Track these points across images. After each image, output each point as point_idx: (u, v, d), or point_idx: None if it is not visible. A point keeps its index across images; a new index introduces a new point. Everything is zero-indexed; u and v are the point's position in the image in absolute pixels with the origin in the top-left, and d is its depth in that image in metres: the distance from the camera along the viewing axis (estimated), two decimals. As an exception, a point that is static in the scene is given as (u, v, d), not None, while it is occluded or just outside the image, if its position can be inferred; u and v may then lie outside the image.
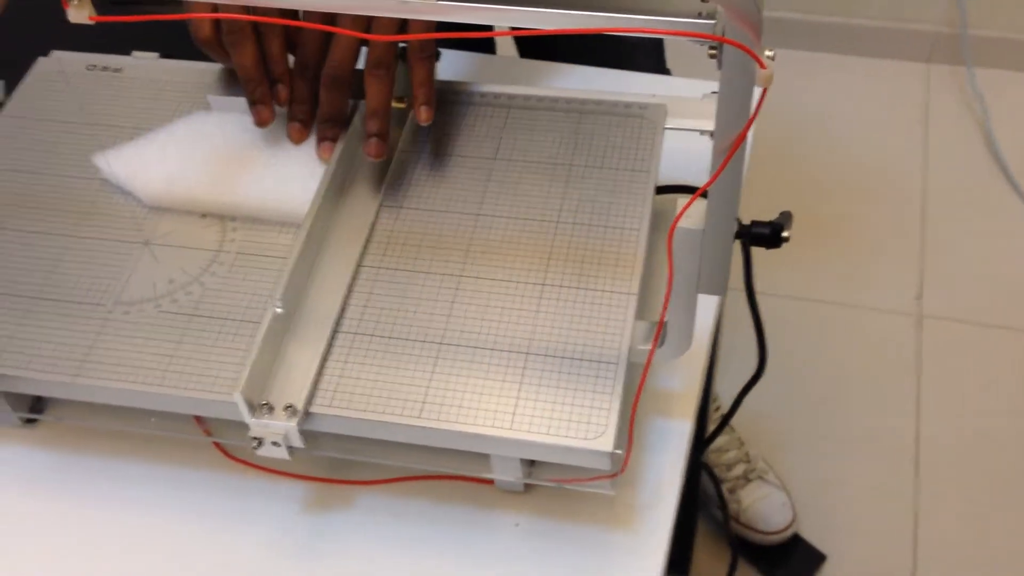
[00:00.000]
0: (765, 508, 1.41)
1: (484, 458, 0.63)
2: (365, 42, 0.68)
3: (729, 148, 0.48)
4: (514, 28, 0.46)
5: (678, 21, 0.44)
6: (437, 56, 0.76)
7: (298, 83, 0.68)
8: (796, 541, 1.43)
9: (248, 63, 0.68)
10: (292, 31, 0.68)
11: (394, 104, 0.69)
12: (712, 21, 0.44)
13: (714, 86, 0.79)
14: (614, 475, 0.60)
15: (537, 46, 1.07)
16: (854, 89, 2.02)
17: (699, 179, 0.79)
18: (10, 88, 0.91)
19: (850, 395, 1.61)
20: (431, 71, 0.69)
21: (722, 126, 0.48)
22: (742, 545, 1.42)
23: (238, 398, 0.57)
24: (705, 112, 0.73)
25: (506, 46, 1.19)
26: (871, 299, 1.73)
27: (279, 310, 0.60)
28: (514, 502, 0.65)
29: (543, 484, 0.64)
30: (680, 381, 0.70)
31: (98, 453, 0.69)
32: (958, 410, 1.59)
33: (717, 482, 1.35)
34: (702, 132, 0.73)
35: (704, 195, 0.50)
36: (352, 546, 0.64)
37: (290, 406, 0.58)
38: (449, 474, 0.65)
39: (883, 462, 1.54)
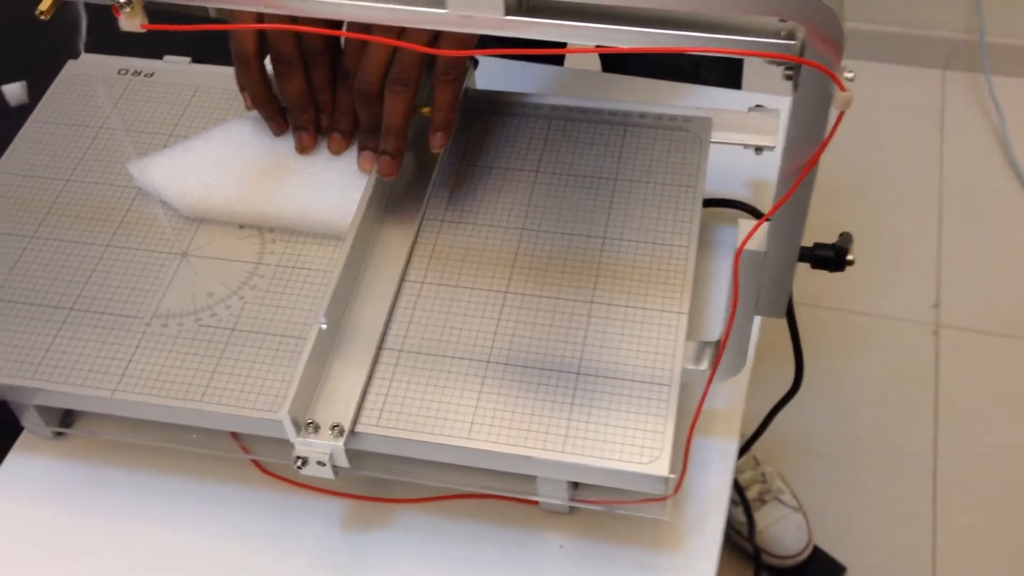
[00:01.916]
0: (780, 532, 1.40)
1: (529, 478, 0.61)
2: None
3: (799, 170, 0.47)
4: (593, 46, 0.44)
5: (758, 42, 0.43)
6: (475, 64, 0.75)
7: (340, 93, 0.67)
8: (815, 553, 1.42)
9: (295, 92, 0.67)
10: (338, 60, 0.67)
11: (427, 114, 0.68)
12: (793, 42, 0.43)
13: (758, 99, 0.78)
14: (665, 498, 0.59)
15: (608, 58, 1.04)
16: (870, 95, 2.01)
17: (741, 193, 0.78)
18: (32, 89, 0.90)
19: (867, 404, 1.60)
20: (455, 96, 0.66)
21: (793, 147, 0.47)
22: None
23: (284, 417, 0.56)
24: (750, 126, 0.71)
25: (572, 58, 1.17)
26: (887, 307, 1.72)
27: (324, 326, 0.59)
28: (558, 523, 0.64)
29: (585, 506, 0.62)
30: (723, 399, 0.69)
31: (129, 466, 0.67)
32: (976, 420, 1.57)
33: (745, 502, 1.33)
34: (746, 146, 0.72)
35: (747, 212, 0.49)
36: (394, 565, 0.63)
37: (336, 425, 0.57)
38: (491, 494, 0.64)
39: (901, 473, 1.53)
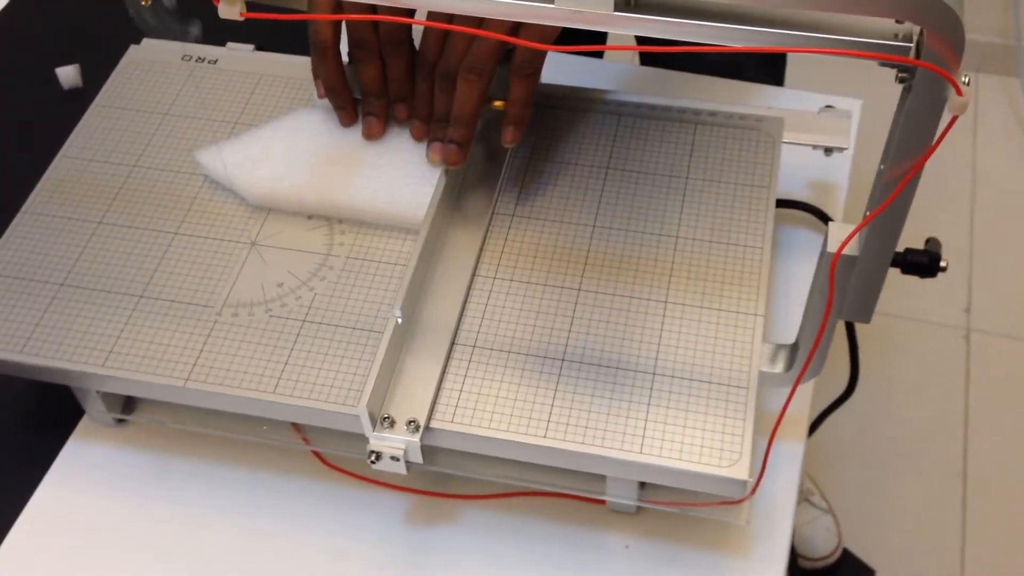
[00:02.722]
0: (810, 533, 1.40)
1: (597, 477, 0.61)
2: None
3: (903, 174, 0.46)
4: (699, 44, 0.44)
5: (873, 43, 0.42)
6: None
7: (419, 81, 0.66)
8: (844, 556, 1.42)
9: (371, 79, 0.66)
10: (414, 53, 0.67)
11: (495, 107, 0.68)
12: (909, 44, 0.42)
13: (828, 99, 0.78)
14: (739, 501, 0.58)
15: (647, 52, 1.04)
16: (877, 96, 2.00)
17: (803, 194, 0.78)
18: (88, 72, 0.90)
19: (897, 407, 1.59)
20: (530, 90, 0.65)
21: (899, 152, 0.46)
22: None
23: (362, 411, 0.55)
24: (822, 126, 0.71)
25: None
26: (919, 311, 1.71)
27: (400, 320, 0.58)
28: (624, 523, 0.64)
29: (655, 507, 0.62)
30: (791, 402, 0.68)
31: (188, 455, 0.67)
32: (1006, 425, 1.57)
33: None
34: (815, 147, 0.71)
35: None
36: (457, 563, 0.62)
37: (413, 421, 0.56)
38: (557, 492, 0.63)
39: (931, 476, 1.52)
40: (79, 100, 0.90)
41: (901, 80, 0.44)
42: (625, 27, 0.44)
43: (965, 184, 1.86)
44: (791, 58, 1.07)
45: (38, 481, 0.66)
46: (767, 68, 1.04)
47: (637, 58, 1.14)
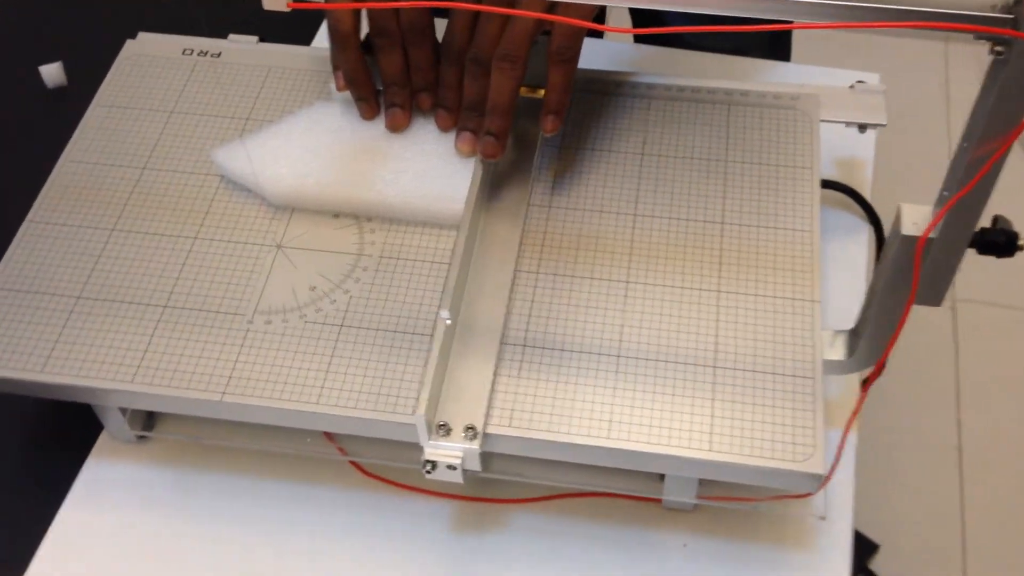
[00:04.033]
0: None
1: (654, 475, 0.59)
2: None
3: (990, 153, 0.44)
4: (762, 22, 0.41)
5: (971, 15, 0.40)
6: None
7: (444, 68, 0.63)
8: (849, 532, 1.41)
9: (395, 68, 0.64)
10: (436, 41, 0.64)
11: (530, 94, 0.65)
12: (1010, 16, 0.40)
13: (858, 75, 0.76)
14: (807, 495, 0.57)
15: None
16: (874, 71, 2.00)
17: (832, 173, 0.76)
18: (71, 70, 0.85)
19: (888, 381, 1.59)
20: (569, 76, 0.62)
21: (985, 130, 0.44)
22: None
23: (419, 420, 0.52)
24: (857, 103, 0.69)
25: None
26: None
27: (448, 321, 0.56)
28: (680, 521, 0.61)
29: (718, 504, 0.60)
30: (837, 388, 0.67)
31: (214, 470, 0.63)
32: (997, 395, 1.58)
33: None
34: (848, 124, 0.70)
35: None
36: (511, 568, 0.60)
37: (471, 427, 0.54)
38: (612, 493, 0.61)
39: (926, 450, 1.52)
40: (65, 100, 0.86)
41: (997, 53, 0.42)
42: (715, 8, 0.41)
43: (942, 153, 1.87)
44: (796, 33, 1.06)
45: (58, 503, 0.63)
46: (773, 44, 1.02)
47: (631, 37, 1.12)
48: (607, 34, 1.07)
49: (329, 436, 0.62)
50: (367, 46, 0.65)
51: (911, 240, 0.48)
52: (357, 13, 0.62)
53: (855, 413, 0.52)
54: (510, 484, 0.62)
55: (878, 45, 2.03)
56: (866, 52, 2.02)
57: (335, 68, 0.65)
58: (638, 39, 1.02)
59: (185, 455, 0.64)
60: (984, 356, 1.62)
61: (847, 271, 0.70)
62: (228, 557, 0.60)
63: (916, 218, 0.49)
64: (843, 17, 0.42)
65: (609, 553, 0.61)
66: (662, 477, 0.59)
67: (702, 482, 0.60)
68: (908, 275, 0.50)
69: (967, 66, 2.00)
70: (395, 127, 0.65)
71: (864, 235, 0.74)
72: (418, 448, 0.55)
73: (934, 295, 0.52)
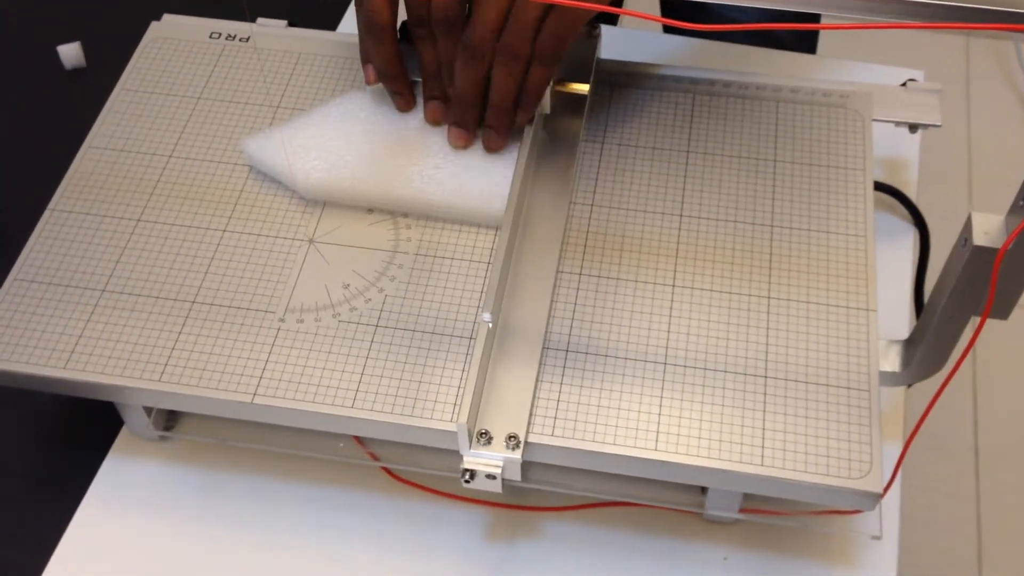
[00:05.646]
0: None
1: (696, 487, 0.57)
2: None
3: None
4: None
5: (1070, 19, 0.38)
6: (597, 31, 0.68)
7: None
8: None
9: (434, 59, 0.61)
10: None
11: (560, 88, 0.62)
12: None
13: (910, 73, 0.73)
14: (856, 511, 0.54)
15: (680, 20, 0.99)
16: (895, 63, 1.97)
17: (882, 174, 0.73)
18: (90, 50, 0.83)
19: (906, 381, 1.57)
20: (544, 80, 0.60)
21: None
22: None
23: (461, 428, 0.50)
24: (911, 103, 0.67)
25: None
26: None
27: (490, 324, 0.53)
28: (721, 533, 0.59)
29: (764, 519, 0.58)
30: (884, 401, 0.64)
31: (236, 469, 0.61)
32: (1015, 396, 1.56)
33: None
34: (897, 123, 0.67)
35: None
36: (546, 580, 0.58)
37: (513, 436, 0.51)
38: (654, 504, 0.59)
39: (943, 452, 1.51)
40: (83, 81, 0.83)
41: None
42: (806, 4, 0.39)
43: (961, 146, 1.84)
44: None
45: (77, 501, 0.60)
46: (800, 36, 1.00)
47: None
48: (636, 25, 1.05)
49: (359, 440, 0.60)
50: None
51: (987, 252, 0.46)
52: (394, 3, 0.60)
53: (917, 428, 0.50)
54: (545, 492, 0.60)
55: (898, 38, 2.01)
56: (886, 47, 1.99)
57: (365, 62, 0.62)
58: (667, 29, 0.99)
59: (207, 454, 0.62)
60: (1001, 358, 1.60)
61: (893, 276, 0.67)
62: (252, 561, 0.58)
63: (987, 227, 0.47)
64: (926, 17, 0.39)
65: (647, 564, 0.59)
66: (704, 489, 0.57)
67: (745, 495, 0.58)
68: (976, 286, 0.48)
69: (988, 62, 1.98)
70: (435, 121, 0.62)
71: (909, 238, 0.71)
72: (452, 454, 0.53)
73: (1004, 308, 0.50)
